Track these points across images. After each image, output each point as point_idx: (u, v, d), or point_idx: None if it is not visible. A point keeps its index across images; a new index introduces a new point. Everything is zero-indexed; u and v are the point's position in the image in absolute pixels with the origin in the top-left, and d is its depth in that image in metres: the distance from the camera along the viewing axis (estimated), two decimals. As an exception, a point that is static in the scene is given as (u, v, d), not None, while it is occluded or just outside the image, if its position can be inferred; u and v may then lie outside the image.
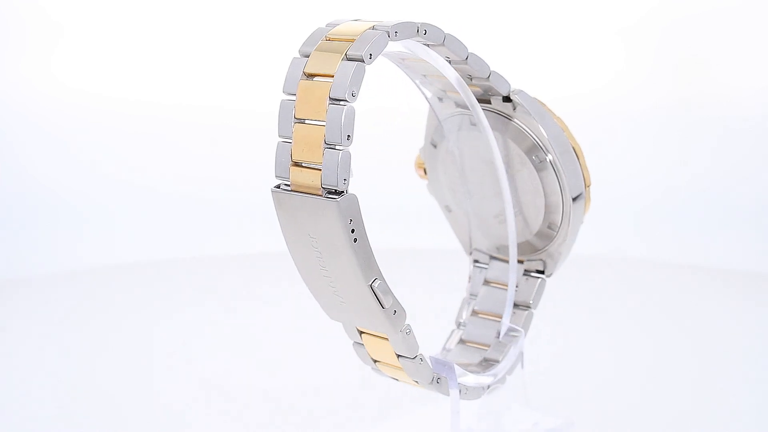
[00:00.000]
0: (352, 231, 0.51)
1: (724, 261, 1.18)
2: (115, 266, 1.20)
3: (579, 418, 0.72)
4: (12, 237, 1.27)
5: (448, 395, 0.61)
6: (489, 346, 0.67)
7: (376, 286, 0.53)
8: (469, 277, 0.70)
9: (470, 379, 0.63)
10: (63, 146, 1.40)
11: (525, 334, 0.67)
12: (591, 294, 1.04)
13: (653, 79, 1.44)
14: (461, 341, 0.69)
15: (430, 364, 0.59)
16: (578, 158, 0.61)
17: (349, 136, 0.50)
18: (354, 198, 0.51)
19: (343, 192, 0.51)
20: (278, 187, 0.53)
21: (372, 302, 0.54)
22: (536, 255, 0.66)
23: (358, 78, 0.50)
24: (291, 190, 0.52)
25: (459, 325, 0.70)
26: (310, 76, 0.51)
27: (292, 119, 0.51)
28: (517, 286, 0.67)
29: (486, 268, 0.70)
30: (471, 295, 0.70)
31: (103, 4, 1.46)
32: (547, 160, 0.61)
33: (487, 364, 0.66)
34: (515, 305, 0.67)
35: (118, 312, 1.02)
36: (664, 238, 1.26)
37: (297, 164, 0.51)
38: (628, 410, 0.76)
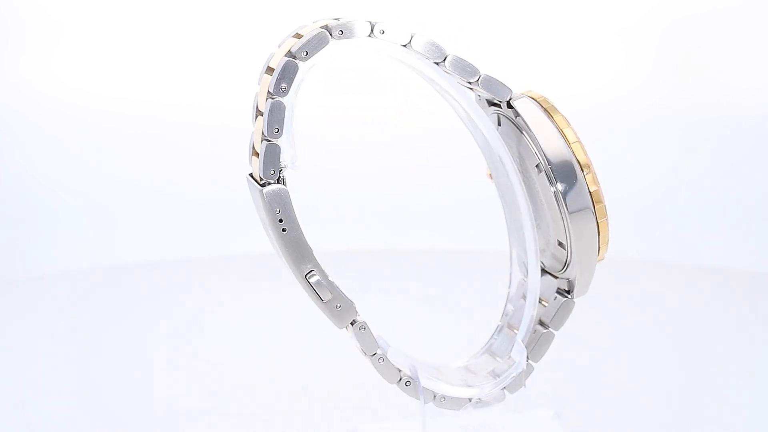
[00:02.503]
0: (280, 221, 0.55)
1: (724, 261, 1.18)
2: (115, 266, 1.19)
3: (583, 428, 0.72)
4: (12, 237, 1.27)
5: (419, 399, 0.61)
6: (501, 359, 0.66)
7: (312, 279, 0.56)
8: (509, 285, 0.69)
9: (447, 389, 0.63)
10: (63, 146, 1.40)
11: (536, 355, 0.64)
12: (590, 294, 1.03)
13: (653, 79, 1.43)
14: (489, 350, 0.68)
15: (395, 364, 0.60)
16: (584, 174, 0.58)
17: (277, 129, 0.53)
18: (281, 190, 0.54)
19: (273, 182, 0.54)
20: (250, 175, 0.57)
21: (312, 294, 0.56)
22: (563, 273, 0.63)
23: (286, 74, 0.53)
24: (251, 178, 0.56)
25: (495, 333, 0.68)
26: (270, 70, 0.54)
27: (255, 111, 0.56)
28: (547, 303, 0.65)
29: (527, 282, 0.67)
30: (511, 306, 0.68)
31: (103, 4, 1.46)
32: (544, 172, 0.59)
33: (492, 376, 0.65)
34: (541, 323, 0.64)
35: (117, 312, 1.02)
36: (664, 238, 1.26)
37: (255, 153, 0.55)
38: (632, 417, 0.76)
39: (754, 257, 1.19)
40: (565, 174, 0.58)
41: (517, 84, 0.61)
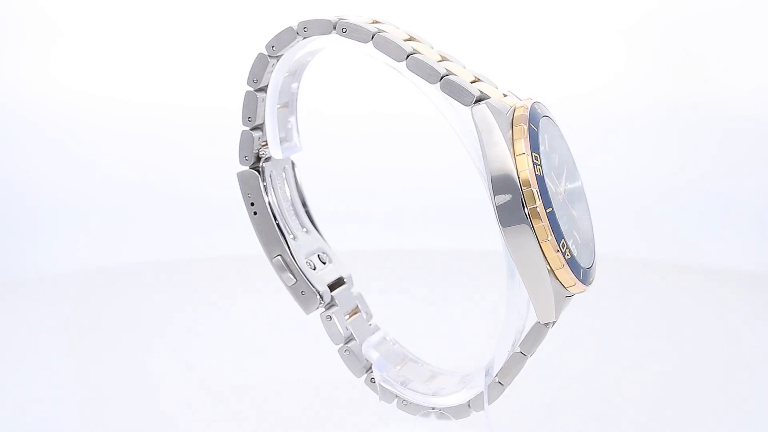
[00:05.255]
0: (252, 204, 0.59)
1: (724, 261, 1.18)
2: (115, 267, 1.19)
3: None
4: (12, 237, 1.27)
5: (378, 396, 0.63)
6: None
7: (276, 263, 0.60)
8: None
9: (407, 393, 0.64)
10: (63, 146, 1.40)
11: (505, 376, 0.61)
12: (589, 294, 1.03)
13: (653, 79, 1.43)
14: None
15: (368, 358, 0.62)
16: (521, 189, 0.54)
17: (250, 118, 0.59)
18: (252, 174, 0.59)
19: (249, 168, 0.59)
20: None
21: (279, 277, 0.61)
22: None
23: (256, 67, 0.59)
24: None
25: None
26: None
27: None
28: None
29: None
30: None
31: (102, 5, 1.45)
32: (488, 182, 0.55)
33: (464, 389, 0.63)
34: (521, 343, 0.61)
35: (117, 312, 1.02)
36: (664, 238, 1.26)
37: None
38: (632, 417, 0.75)
39: (754, 257, 1.19)
40: (502, 186, 0.54)
41: (518, 85, 0.61)
